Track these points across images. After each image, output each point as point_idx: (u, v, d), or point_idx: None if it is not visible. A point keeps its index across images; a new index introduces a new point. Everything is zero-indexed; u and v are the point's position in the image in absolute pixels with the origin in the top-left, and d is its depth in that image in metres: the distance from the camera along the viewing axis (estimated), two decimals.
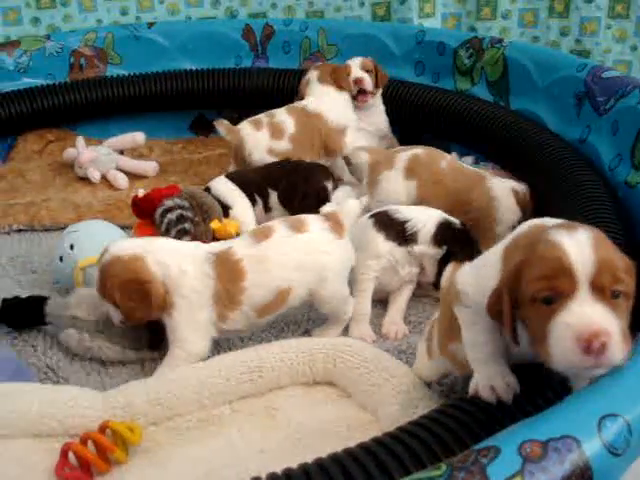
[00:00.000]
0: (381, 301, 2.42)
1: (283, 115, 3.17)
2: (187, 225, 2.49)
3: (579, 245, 1.24)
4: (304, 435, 1.79)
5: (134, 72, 3.87)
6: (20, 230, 3.00)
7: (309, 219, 2.13)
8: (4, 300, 2.30)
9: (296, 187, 2.82)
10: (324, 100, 3.25)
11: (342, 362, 1.93)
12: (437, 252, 2.33)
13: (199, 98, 3.88)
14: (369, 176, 2.77)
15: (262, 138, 3.10)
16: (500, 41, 3.37)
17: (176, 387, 1.85)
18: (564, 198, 2.50)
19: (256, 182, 2.88)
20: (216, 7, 4.09)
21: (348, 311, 2.22)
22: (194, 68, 3.91)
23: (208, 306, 1.99)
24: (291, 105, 3.25)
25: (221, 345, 2.18)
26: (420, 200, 2.62)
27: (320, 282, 2.10)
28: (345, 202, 2.26)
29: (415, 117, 3.50)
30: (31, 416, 1.74)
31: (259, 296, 2.03)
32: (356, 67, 3.33)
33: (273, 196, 2.87)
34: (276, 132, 3.12)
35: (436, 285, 2.35)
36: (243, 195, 2.85)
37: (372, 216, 2.43)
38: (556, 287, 1.23)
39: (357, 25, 3.92)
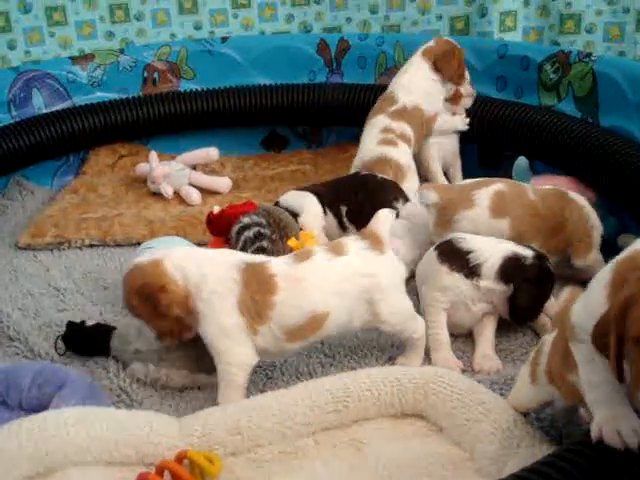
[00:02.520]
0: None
1: (396, 124, 3.10)
2: (265, 243, 2.40)
3: None
4: (393, 472, 1.66)
5: (207, 87, 3.82)
6: (92, 245, 2.96)
7: (347, 241, 2.02)
8: (69, 324, 2.24)
9: (363, 205, 2.68)
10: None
11: (434, 394, 1.79)
12: (503, 290, 2.17)
13: (272, 114, 3.80)
14: (440, 216, 2.51)
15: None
16: (588, 55, 3.20)
17: (257, 416, 1.73)
18: None
19: (328, 197, 2.79)
20: (290, 22, 4.02)
21: (417, 329, 2.07)
22: (267, 83, 3.84)
23: (234, 312, 1.87)
24: (388, 111, 3.16)
25: (301, 372, 2.07)
26: (514, 237, 2.41)
27: (372, 305, 1.97)
28: (375, 215, 2.07)
29: (496, 134, 3.35)
30: (105, 443, 1.65)
31: (289, 317, 1.90)
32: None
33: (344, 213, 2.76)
34: (407, 141, 3.09)
35: (516, 320, 2.21)
36: (315, 201, 2.76)
37: (437, 247, 2.30)
38: None
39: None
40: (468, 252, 2.20)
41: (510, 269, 2.15)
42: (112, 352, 2.15)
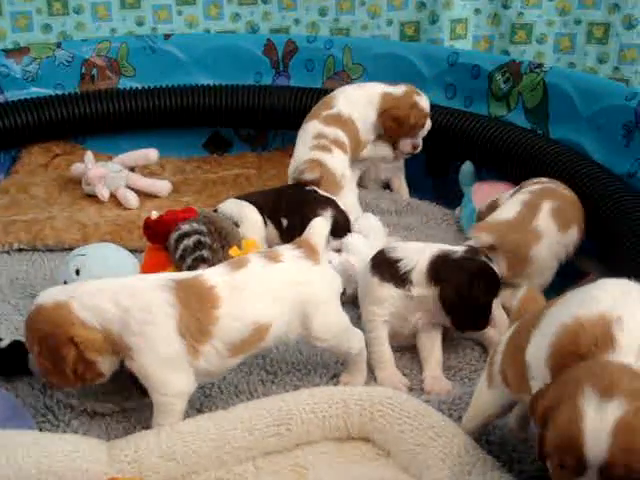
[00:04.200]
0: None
1: (329, 129, 2.94)
2: (205, 253, 2.27)
3: (601, 424, 1.11)
4: None
5: (148, 85, 3.69)
6: (21, 250, 2.78)
7: (281, 249, 1.91)
8: None
9: (303, 222, 2.52)
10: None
11: (381, 416, 1.70)
12: (436, 293, 2.07)
13: (215, 115, 3.68)
14: (511, 260, 2.34)
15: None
16: (540, 66, 3.17)
17: (193, 440, 1.62)
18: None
19: (268, 208, 2.69)
20: (236, 21, 3.90)
21: (354, 345, 1.94)
22: (211, 83, 3.72)
23: (173, 338, 1.69)
24: (324, 115, 3.02)
25: (241, 390, 1.95)
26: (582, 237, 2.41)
27: (305, 317, 1.84)
28: (311, 223, 1.98)
29: (444, 143, 3.30)
30: (27, 470, 1.51)
31: (234, 329, 1.75)
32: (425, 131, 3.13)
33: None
34: (341, 147, 2.94)
35: (458, 326, 2.12)
36: (255, 211, 2.65)
37: (371, 259, 2.21)
38: (565, 461, 1.16)
39: (385, 44, 3.73)
40: (397, 260, 2.11)
41: (438, 268, 2.06)
42: (34, 374, 1.96)
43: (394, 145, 3.11)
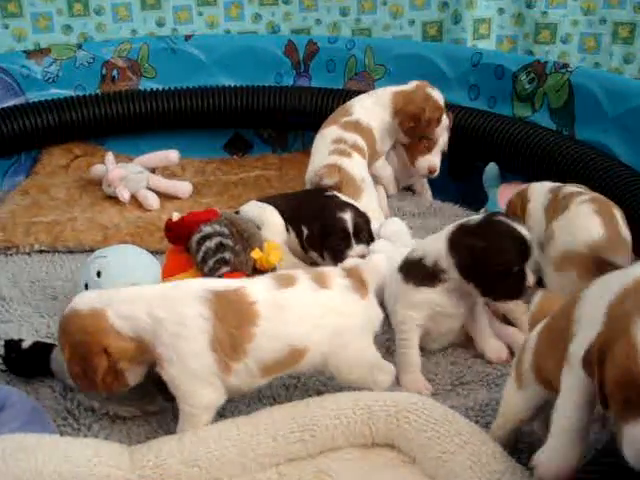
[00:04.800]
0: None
1: (347, 134, 2.91)
2: (227, 255, 2.25)
3: None
4: None
5: (168, 86, 3.67)
6: (42, 251, 2.77)
7: (332, 275, 1.82)
8: (7, 344, 2.03)
9: (322, 233, 2.50)
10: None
11: (407, 422, 1.66)
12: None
13: (236, 116, 3.67)
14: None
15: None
16: (565, 66, 3.12)
17: (216, 446, 1.58)
18: None
19: (288, 214, 2.63)
20: (257, 21, 3.88)
21: (381, 381, 1.84)
22: (232, 84, 3.70)
23: (205, 353, 1.65)
24: (340, 122, 2.99)
25: (264, 395, 1.92)
26: None
27: (337, 347, 1.76)
28: (370, 257, 1.96)
29: (467, 145, 3.26)
30: (48, 476, 1.48)
31: (268, 350, 1.69)
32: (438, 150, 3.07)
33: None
34: (360, 152, 2.89)
35: (486, 292, 1.97)
36: (277, 215, 2.61)
37: (400, 268, 2.11)
38: (630, 397, 1.12)
39: (407, 45, 3.70)
40: (421, 259, 2.03)
41: (454, 241, 1.95)
42: (54, 374, 1.95)
43: (412, 162, 3.08)
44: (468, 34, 3.68)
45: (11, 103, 3.46)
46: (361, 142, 2.89)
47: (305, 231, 2.55)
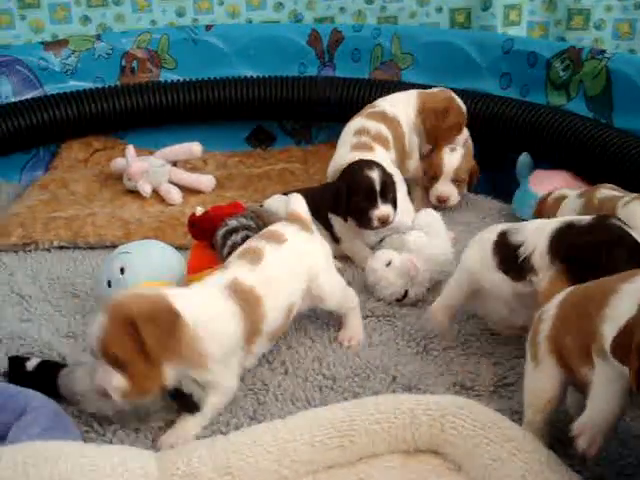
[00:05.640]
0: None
1: (372, 124, 2.76)
2: None
3: None
4: None
5: (189, 77, 3.59)
6: (62, 247, 2.69)
7: (280, 227, 2.01)
8: (11, 360, 1.91)
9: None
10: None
11: (452, 427, 1.55)
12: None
13: (258, 108, 3.57)
14: None
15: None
16: (602, 52, 3.00)
17: (250, 453, 1.48)
18: None
19: (316, 206, 2.50)
20: (279, 10, 3.77)
21: (353, 299, 2.09)
22: (254, 75, 3.60)
23: (239, 347, 1.77)
24: (369, 111, 2.85)
25: (297, 397, 1.82)
26: None
27: (314, 282, 1.97)
28: (290, 199, 2.10)
29: (500, 134, 3.14)
30: None
31: (275, 319, 1.85)
32: (447, 178, 2.88)
33: (338, 222, 2.51)
34: (384, 144, 2.73)
35: None
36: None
37: (495, 242, 1.94)
38: None
39: (435, 32, 3.57)
40: (518, 246, 1.86)
41: (562, 242, 1.78)
42: (61, 391, 1.82)
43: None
44: (498, 21, 3.54)
45: (29, 96, 3.39)
46: (385, 132, 2.75)
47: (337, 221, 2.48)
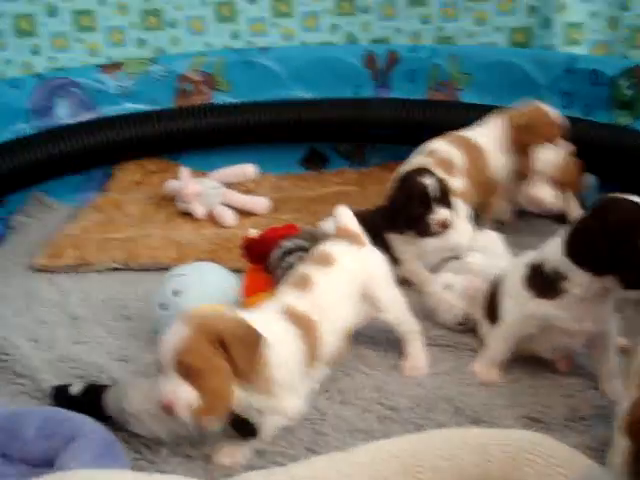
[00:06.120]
0: None
1: (445, 147, 2.67)
2: None
3: None
4: None
5: (243, 100, 3.55)
6: (115, 269, 2.66)
7: (329, 248, 1.95)
8: (56, 390, 1.88)
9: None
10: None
11: (528, 465, 1.44)
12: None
13: (313, 130, 3.51)
14: None
15: None
16: None
17: None
18: None
19: (373, 227, 2.40)
20: (334, 32, 3.72)
21: (414, 323, 2.02)
22: (308, 97, 3.55)
23: (301, 371, 1.73)
24: (452, 135, 2.76)
25: (356, 428, 1.74)
26: None
27: (370, 292, 1.92)
28: (337, 212, 2.06)
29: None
30: None
31: (332, 343, 1.81)
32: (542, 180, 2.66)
33: (397, 241, 2.43)
34: (447, 169, 2.60)
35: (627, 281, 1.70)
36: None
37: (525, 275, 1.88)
38: None
39: (493, 51, 3.48)
40: (541, 264, 1.81)
41: (574, 231, 1.73)
42: (108, 412, 1.77)
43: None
44: (559, 40, 3.43)
45: (84, 118, 3.38)
46: (457, 158, 2.64)
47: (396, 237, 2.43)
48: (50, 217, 3.15)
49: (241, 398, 1.60)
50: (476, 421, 1.76)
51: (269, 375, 1.63)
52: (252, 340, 1.58)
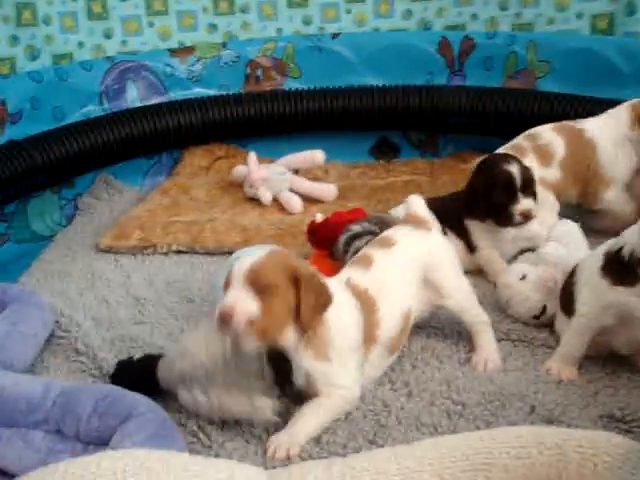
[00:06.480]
0: None
1: (548, 134, 2.54)
2: None
3: None
4: None
5: (314, 86, 3.50)
6: (179, 252, 2.64)
7: (392, 232, 1.92)
8: (119, 364, 1.86)
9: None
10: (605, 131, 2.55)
11: (607, 468, 1.32)
12: None
13: (385, 118, 3.43)
14: None
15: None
16: None
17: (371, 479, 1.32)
18: None
19: (447, 215, 2.27)
20: (408, 18, 3.62)
21: (482, 313, 1.92)
22: (380, 84, 3.47)
23: (359, 346, 1.69)
24: (562, 123, 2.61)
25: (422, 422, 1.64)
26: None
27: (431, 277, 1.86)
28: (409, 200, 2.01)
29: None
30: None
31: (390, 327, 1.76)
32: None
33: (475, 228, 2.33)
34: (544, 157, 2.48)
35: None
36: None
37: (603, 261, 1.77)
38: None
39: (575, 39, 3.32)
40: (619, 249, 1.71)
41: None
42: (161, 383, 1.73)
43: None
44: None
45: (154, 101, 3.38)
46: (558, 148, 2.50)
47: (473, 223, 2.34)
48: (117, 199, 3.15)
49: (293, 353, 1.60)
50: (551, 421, 1.64)
51: (328, 338, 1.62)
52: (323, 293, 1.58)
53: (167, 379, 1.71)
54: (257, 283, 1.52)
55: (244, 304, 1.50)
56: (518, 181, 2.21)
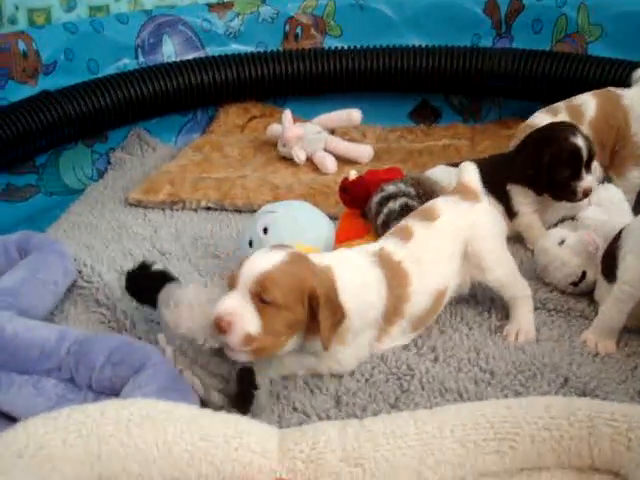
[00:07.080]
0: None
1: (585, 96, 2.47)
2: None
3: None
4: None
5: (354, 45, 3.38)
6: (208, 208, 2.57)
7: (437, 203, 1.83)
8: (128, 273, 1.82)
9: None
10: None
11: None
12: None
13: (425, 80, 3.30)
14: None
15: None
16: None
17: (387, 444, 1.25)
18: None
19: (490, 176, 2.14)
20: None
21: (525, 287, 1.82)
22: (423, 45, 3.34)
23: (377, 324, 1.65)
24: (604, 89, 2.52)
25: (447, 388, 1.57)
26: None
27: (473, 250, 1.76)
28: (461, 167, 1.92)
29: None
30: (177, 454, 1.21)
31: (420, 303, 1.70)
32: None
33: (518, 193, 2.22)
34: (574, 115, 2.40)
35: None
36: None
37: None
38: None
39: (628, 2, 3.14)
40: None
41: None
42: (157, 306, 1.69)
43: None
44: None
45: (190, 57, 3.30)
46: (591, 109, 2.41)
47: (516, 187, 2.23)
48: (150, 155, 3.09)
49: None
50: (585, 394, 1.56)
51: (348, 324, 1.56)
52: (338, 311, 1.51)
53: (162, 313, 1.65)
54: (263, 296, 1.43)
55: (244, 318, 1.43)
56: (585, 157, 2.09)
